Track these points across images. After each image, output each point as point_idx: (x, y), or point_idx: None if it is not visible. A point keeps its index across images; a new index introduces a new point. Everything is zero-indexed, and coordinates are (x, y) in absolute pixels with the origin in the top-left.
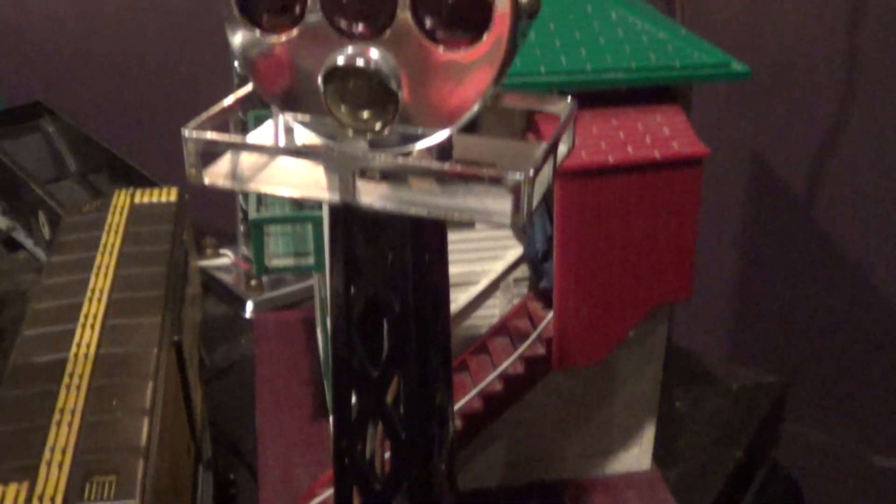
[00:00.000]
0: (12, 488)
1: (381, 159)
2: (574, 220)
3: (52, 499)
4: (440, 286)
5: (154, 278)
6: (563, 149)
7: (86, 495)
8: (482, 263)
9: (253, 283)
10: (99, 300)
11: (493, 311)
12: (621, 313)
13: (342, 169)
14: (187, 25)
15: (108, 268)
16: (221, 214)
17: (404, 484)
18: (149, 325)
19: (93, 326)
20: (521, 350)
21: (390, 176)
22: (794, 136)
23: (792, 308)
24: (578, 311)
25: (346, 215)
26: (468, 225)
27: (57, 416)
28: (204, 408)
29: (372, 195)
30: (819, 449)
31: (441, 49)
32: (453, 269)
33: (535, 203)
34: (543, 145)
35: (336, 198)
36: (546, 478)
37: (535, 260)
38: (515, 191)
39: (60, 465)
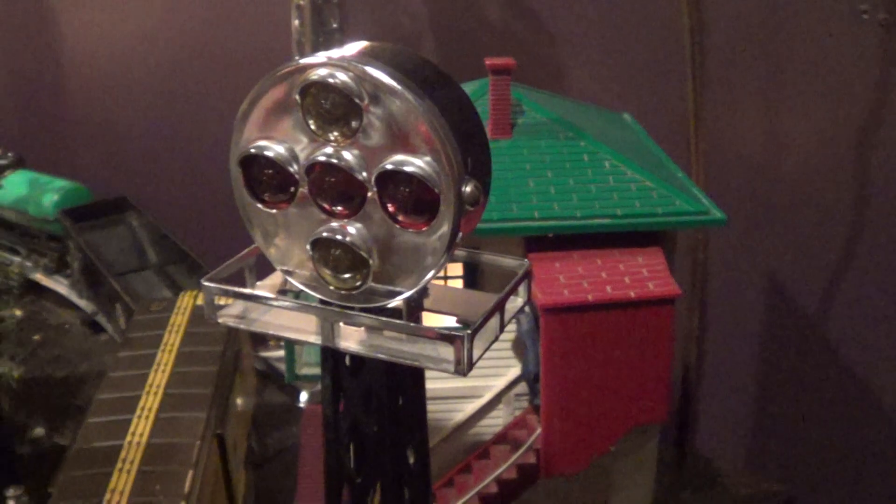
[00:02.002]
0: None
1: (351, 316)
2: (557, 349)
3: None
4: (417, 413)
5: (205, 377)
6: (519, 301)
7: None
8: (486, 379)
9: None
10: (155, 394)
11: (497, 421)
12: (601, 431)
13: (323, 320)
14: None
15: (166, 365)
16: None
17: None
18: (195, 419)
19: (147, 418)
20: (514, 458)
21: (367, 326)
22: (809, 256)
23: (805, 422)
24: (562, 428)
25: (333, 352)
26: None
27: (108, 495)
28: (250, 491)
29: (349, 340)
30: None
31: (400, 227)
32: (461, 383)
33: (478, 356)
34: (487, 310)
35: (320, 341)
36: None
37: (529, 380)
38: (457, 347)
39: None
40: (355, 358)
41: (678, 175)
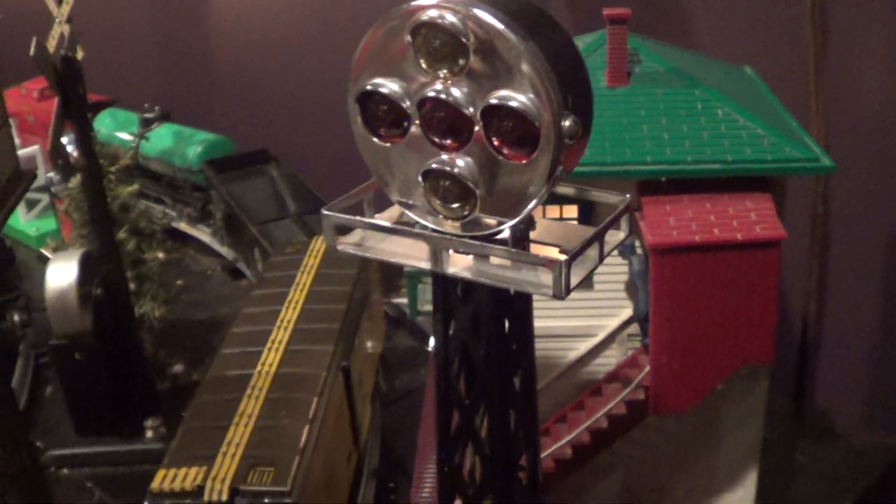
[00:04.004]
0: (194, 470)
1: (458, 242)
2: (665, 288)
3: (223, 480)
4: (524, 341)
5: (334, 314)
6: (620, 235)
7: (248, 480)
8: (600, 319)
9: None
10: (285, 329)
11: (610, 361)
12: (708, 370)
13: (433, 246)
14: None
15: (297, 303)
16: None
17: (489, 492)
18: (322, 352)
19: (277, 350)
20: (623, 394)
21: (475, 252)
22: None
23: None
24: (670, 365)
25: (444, 278)
26: (589, 286)
27: (237, 418)
28: (376, 424)
29: (457, 266)
30: None
31: (504, 159)
32: (576, 322)
33: (575, 282)
34: (584, 240)
35: (429, 267)
36: None
37: (640, 319)
38: (555, 273)
39: (233, 456)
40: (465, 284)
41: (792, 125)
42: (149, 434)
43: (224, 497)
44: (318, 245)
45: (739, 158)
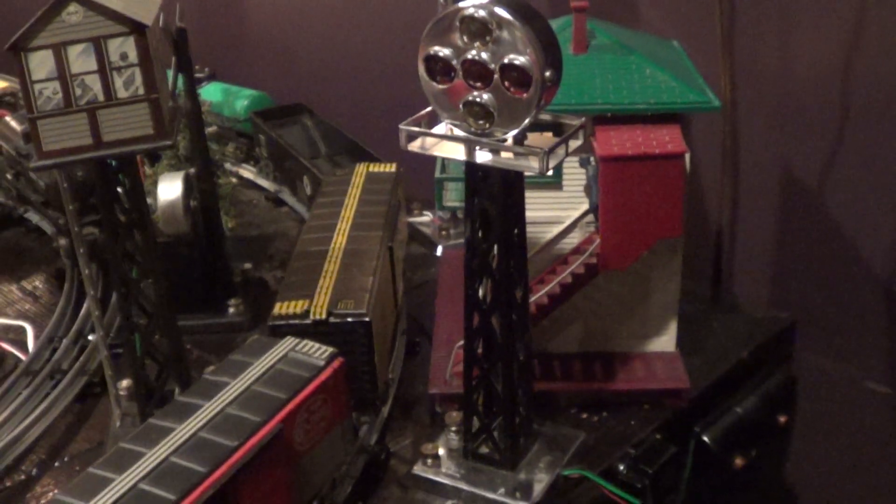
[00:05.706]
0: (300, 302)
1: (484, 142)
2: (610, 186)
3: (321, 307)
4: (518, 205)
5: (379, 213)
6: (577, 143)
7: (338, 307)
8: (566, 211)
9: (443, 233)
10: (346, 221)
11: (573, 241)
12: (638, 241)
13: (468, 146)
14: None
15: (351, 207)
16: (427, 187)
17: (496, 308)
18: (374, 237)
19: (342, 235)
20: (581, 259)
21: (492, 149)
22: (811, 143)
23: (809, 268)
24: (612, 239)
25: (472, 167)
26: (559, 187)
27: (323, 273)
28: (404, 298)
29: (482, 158)
30: (825, 373)
31: (511, 94)
32: (548, 213)
33: (552, 165)
34: (557, 140)
35: (464, 158)
36: (605, 349)
37: (594, 211)
38: (540, 158)
39: (325, 295)
40: (485, 171)
41: (699, 80)
42: (231, 310)
43: (324, 315)
44: (362, 169)
45: (659, 101)
